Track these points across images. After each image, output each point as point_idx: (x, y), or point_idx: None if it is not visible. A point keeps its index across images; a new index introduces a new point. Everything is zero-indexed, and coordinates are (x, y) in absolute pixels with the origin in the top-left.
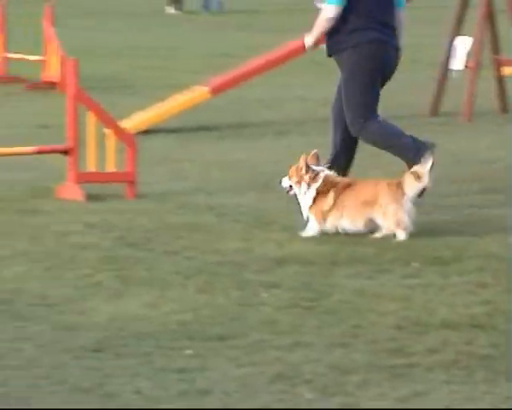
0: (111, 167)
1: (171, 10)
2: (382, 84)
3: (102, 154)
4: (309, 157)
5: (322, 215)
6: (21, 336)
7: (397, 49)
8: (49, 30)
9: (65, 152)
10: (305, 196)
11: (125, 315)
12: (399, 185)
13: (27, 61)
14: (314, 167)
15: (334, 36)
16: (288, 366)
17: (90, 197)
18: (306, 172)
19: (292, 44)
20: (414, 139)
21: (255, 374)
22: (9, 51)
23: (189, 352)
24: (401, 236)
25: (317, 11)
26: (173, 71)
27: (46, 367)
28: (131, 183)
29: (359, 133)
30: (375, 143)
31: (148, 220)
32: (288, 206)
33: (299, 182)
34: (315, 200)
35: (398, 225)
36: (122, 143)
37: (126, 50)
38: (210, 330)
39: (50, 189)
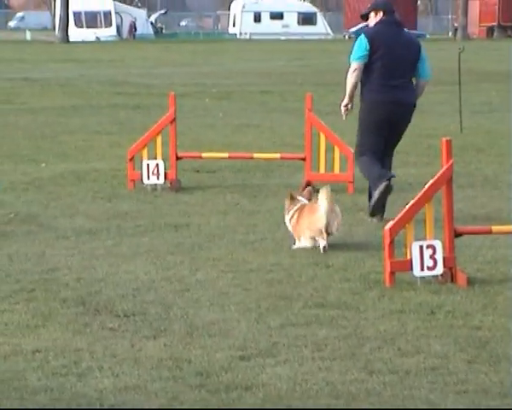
0: None
1: None
2: (394, 134)
3: None
4: (305, 191)
5: (295, 233)
6: None
7: (402, 105)
8: None
9: None
10: (287, 217)
11: None
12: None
13: None
14: (299, 198)
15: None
16: None
17: None
18: (289, 200)
19: None
20: (376, 187)
21: None
22: None
23: None
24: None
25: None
26: None
27: None
28: None
29: (355, 163)
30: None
31: None
32: None
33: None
34: (291, 220)
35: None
36: None
37: None
38: None
39: None
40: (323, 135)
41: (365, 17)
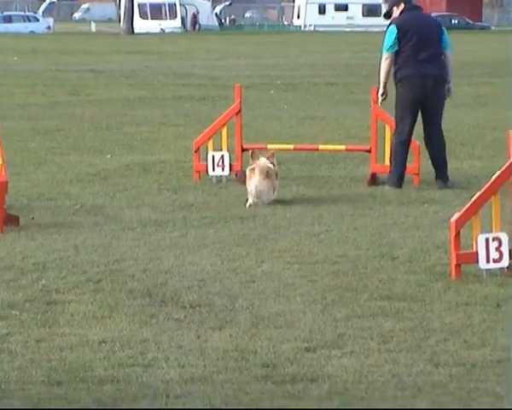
0: None
1: None
2: (429, 106)
3: None
4: (268, 154)
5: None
6: None
7: (431, 77)
8: None
9: None
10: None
11: None
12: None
13: None
14: (260, 158)
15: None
16: None
17: None
18: (251, 158)
19: None
20: (398, 170)
21: None
22: None
23: None
24: (249, 200)
25: None
26: None
27: None
28: None
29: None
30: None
31: None
32: None
33: None
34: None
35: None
36: None
37: None
38: None
39: None
40: (389, 127)
41: (388, 15)
